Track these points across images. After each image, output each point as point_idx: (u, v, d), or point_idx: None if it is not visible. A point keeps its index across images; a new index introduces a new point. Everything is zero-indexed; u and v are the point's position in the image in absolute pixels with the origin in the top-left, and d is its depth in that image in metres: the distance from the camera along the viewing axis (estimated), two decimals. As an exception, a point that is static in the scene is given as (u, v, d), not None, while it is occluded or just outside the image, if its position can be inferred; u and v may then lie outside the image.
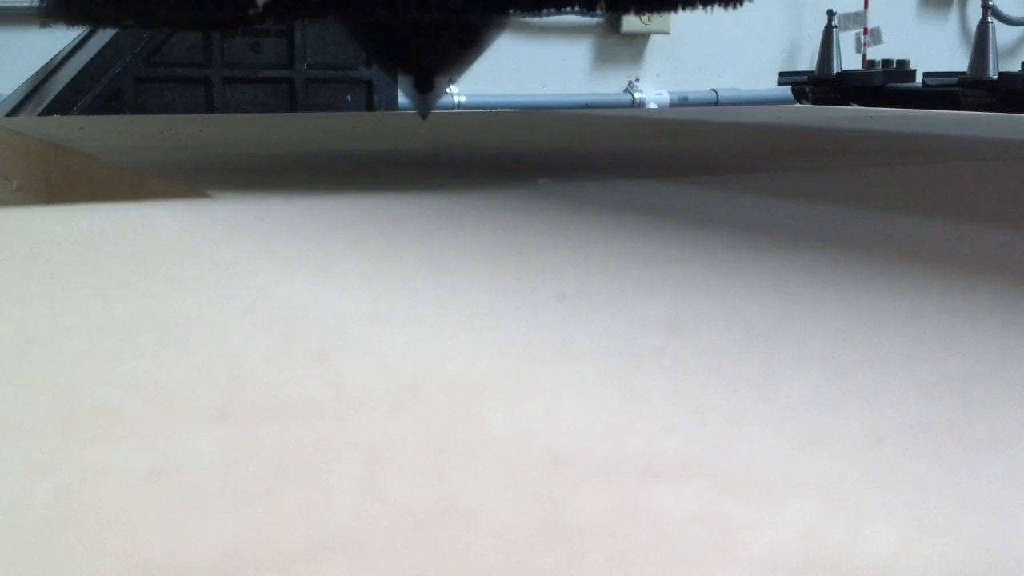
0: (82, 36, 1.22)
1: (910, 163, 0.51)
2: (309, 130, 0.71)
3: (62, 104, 1.13)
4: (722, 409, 0.16)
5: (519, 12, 0.38)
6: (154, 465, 0.13)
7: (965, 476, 0.13)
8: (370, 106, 1.25)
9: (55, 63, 1.22)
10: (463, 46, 0.44)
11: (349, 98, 1.25)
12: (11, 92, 1.26)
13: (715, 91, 2.05)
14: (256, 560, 0.11)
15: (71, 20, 0.43)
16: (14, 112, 1.18)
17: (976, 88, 1.43)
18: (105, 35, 1.16)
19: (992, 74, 1.45)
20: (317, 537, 0.11)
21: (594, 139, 0.67)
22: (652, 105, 2.00)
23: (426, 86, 0.44)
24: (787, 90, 1.67)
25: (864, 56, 1.93)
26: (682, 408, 0.16)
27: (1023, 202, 0.38)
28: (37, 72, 1.24)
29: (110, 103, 1.16)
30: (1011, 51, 2.28)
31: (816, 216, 0.34)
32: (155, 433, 0.14)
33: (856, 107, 1.24)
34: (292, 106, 1.23)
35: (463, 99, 1.79)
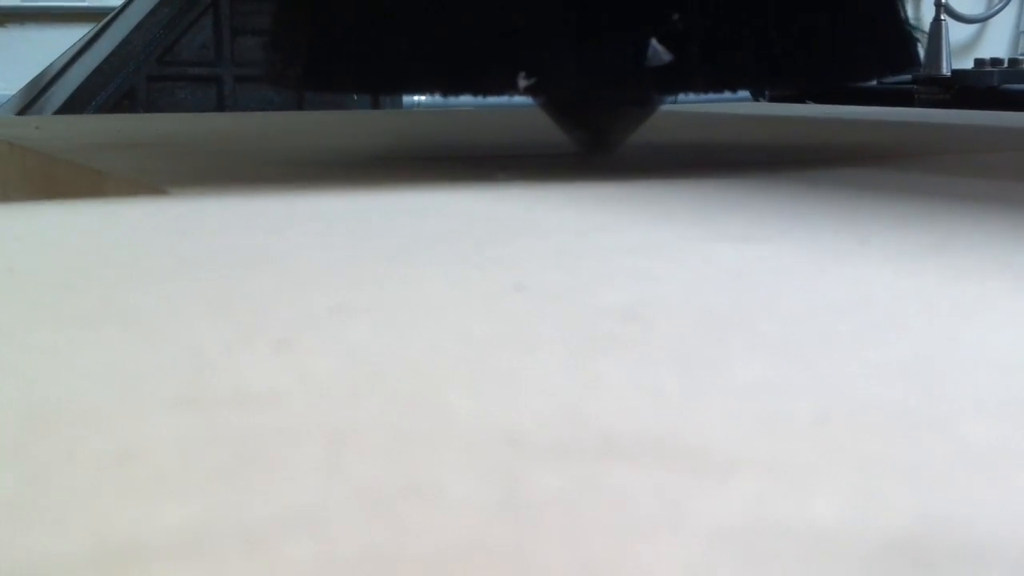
0: (92, 35, 1.22)
1: (865, 161, 0.52)
2: (276, 128, 0.71)
3: (76, 103, 1.12)
4: (677, 392, 0.16)
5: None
6: (119, 450, 0.14)
7: (909, 452, 0.14)
8: (375, 104, 1.26)
9: (64, 62, 1.21)
10: (642, 109, 0.47)
11: (355, 96, 1.26)
12: (15, 91, 1.25)
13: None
14: (220, 537, 0.11)
15: (327, 88, 0.44)
16: (23, 111, 1.17)
17: (930, 85, 1.44)
18: (118, 34, 1.16)
19: (946, 71, 1.47)
20: (281, 515, 0.12)
21: (554, 136, 0.67)
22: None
23: (602, 144, 0.46)
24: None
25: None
26: (638, 391, 0.16)
27: (970, 193, 0.38)
28: (43, 72, 1.23)
29: (123, 102, 1.16)
30: (964, 48, 2.30)
31: (770, 208, 0.34)
32: (120, 420, 0.15)
33: (811, 105, 1.25)
34: (299, 104, 1.24)
35: (422, 99, 1.78)
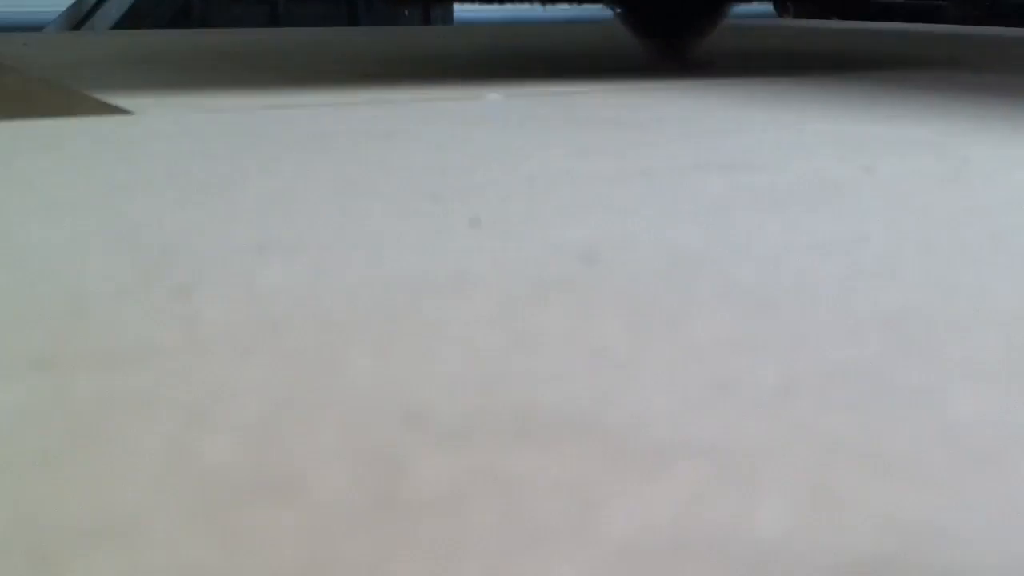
0: None
1: (882, 69, 0.49)
2: (288, 45, 0.68)
3: (130, 20, 1.11)
4: (621, 351, 0.14)
5: None
6: (-56, 424, 0.11)
7: (880, 435, 0.11)
8: (427, 20, 1.24)
9: None
10: (711, 17, 0.51)
11: (407, 12, 1.24)
12: (63, 10, 1.23)
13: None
14: (10, 547, 0.09)
15: None
16: (77, 27, 1.15)
17: (959, 2, 1.39)
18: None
19: (978, -13, 1.42)
20: (91, 521, 0.09)
21: (568, 51, 0.64)
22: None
23: (676, 51, 0.50)
24: (768, 6, 1.63)
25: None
26: (576, 351, 0.14)
27: (994, 114, 0.35)
28: None
29: (178, 18, 1.14)
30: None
31: (774, 128, 0.32)
32: (-37, 384, 0.13)
33: (837, 21, 1.21)
34: (353, 21, 1.22)
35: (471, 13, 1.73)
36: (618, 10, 0.49)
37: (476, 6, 0.54)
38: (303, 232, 0.19)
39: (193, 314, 0.15)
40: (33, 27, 1.22)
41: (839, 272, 0.17)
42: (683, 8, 0.47)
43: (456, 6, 1.21)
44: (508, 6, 0.50)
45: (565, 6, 0.58)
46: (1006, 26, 1.10)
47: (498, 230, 0.20)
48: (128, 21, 1.14)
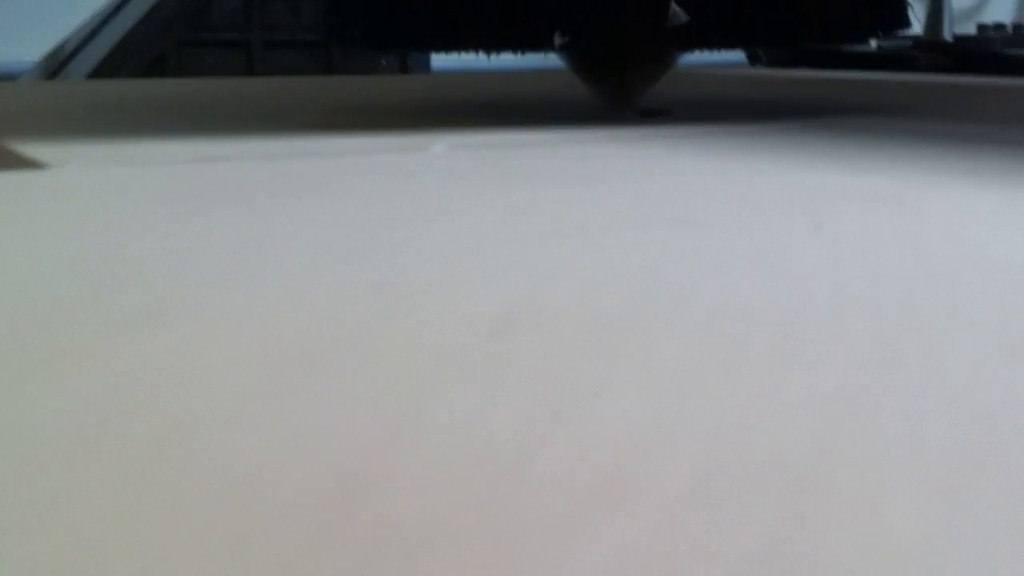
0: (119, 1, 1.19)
1: (837, 118, 0.48)
2: (254, 93, 0.67)
3: (105, 69, 1.10)
4: (509, 448, 0.12)
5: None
6: None
7: (802, 558, 0.09)
8: (404, 69, 1.25)
9: (90, 28, 1.18)
10: (659, 66, 0.51)
11: (384, 62, 1.24)
12: (41, 56, 1.21)
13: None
14: None
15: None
16: (53, 76, 1.14)
17: (930, 51, 1.39)
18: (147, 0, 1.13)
19: (947, 36, 1.42)
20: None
21: (530, 99, 0.63)
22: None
23: (624, 99, 0.49)
24: (740, 53, 1.63)
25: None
26: (458, 447, 0.12)
27: (946, 167, 0.34)
28: (67, 38, 1.19)
29: (153, 68, 1.14)
30: (967, 13, 2.25)
31: (722, 182, 0.30)
32: None
33: (806, 70, 1.21)
34: (330, 69, 1.22)
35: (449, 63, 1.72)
36: (565, 56, 0.50)
37: (455, 55, 0.53)
38: (181, 303, 0.18)
39: (59, 386, 0.13)
40: (8, 76, 1.21)
41: (780, 341, 0.15)
42: (628, 55, 0.47)
43: (435, 56, 1.20)
44: (479, 55, 0.49)
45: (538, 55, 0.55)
46: (973, 74, 1.10)
47: (405, 296, 0.18)
48: (104, 70, 1.13)
